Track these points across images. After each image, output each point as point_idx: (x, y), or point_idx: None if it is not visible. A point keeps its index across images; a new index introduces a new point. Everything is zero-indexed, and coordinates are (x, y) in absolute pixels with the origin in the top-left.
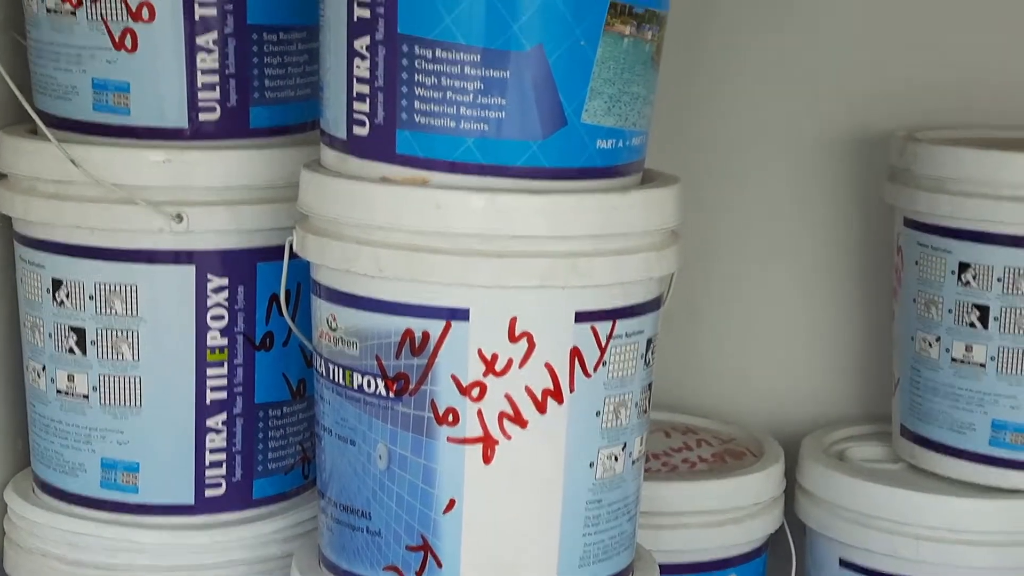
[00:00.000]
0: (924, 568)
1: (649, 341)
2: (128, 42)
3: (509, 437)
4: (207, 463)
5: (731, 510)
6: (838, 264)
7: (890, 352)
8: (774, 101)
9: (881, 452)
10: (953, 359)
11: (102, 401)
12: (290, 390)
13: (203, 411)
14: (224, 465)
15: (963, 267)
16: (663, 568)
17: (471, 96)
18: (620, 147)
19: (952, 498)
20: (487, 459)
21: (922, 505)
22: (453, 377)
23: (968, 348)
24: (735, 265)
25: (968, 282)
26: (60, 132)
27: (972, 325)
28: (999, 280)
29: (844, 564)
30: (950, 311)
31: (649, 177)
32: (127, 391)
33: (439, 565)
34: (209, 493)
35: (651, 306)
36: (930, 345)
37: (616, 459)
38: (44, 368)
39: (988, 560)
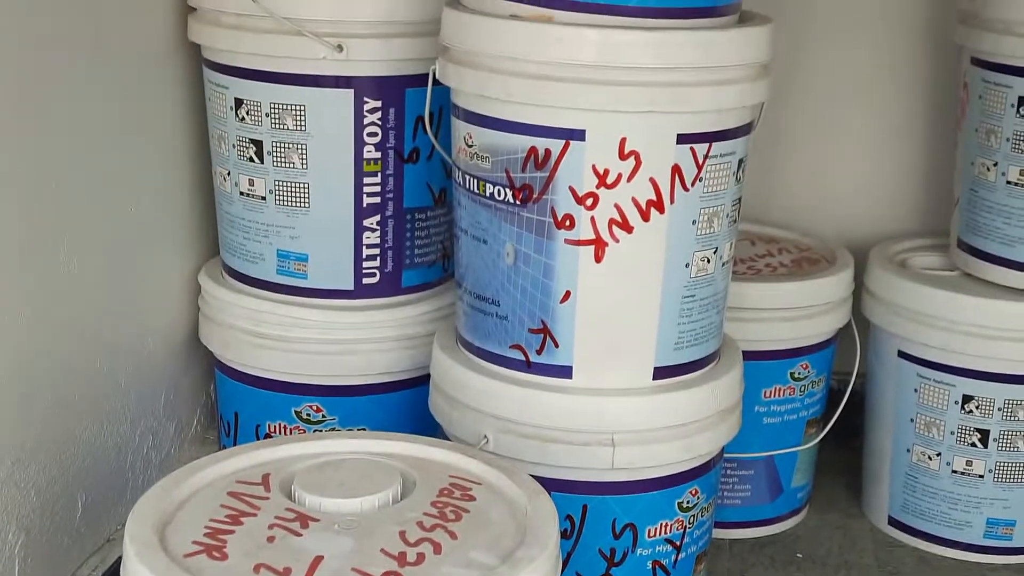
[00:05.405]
0: (971, 360)
1: (740, 161)
2: None
3: (617, 240)
4: (364, 256)
5: (805, 307)
6: (908, 99)
7: (950, 176)
8: None
9: (939, 261)
10: (1008, 182)
11: (277, 202)
12: (433, 197)
13: (360, 213)
14: (378, 258)
15: (1022, 101)
16: (746, 354)
17: None
18: None
19: (1000, 301)
20: (598, 258)
21: (973, 306)
22: (570, 188)
23: (1022, 172)
24: (817, 97)
25: None
26: None
27: None
28: None
29: (902, 355)
30: (1008, 140)
31: (745, 17)
32: (298, 195)
33: (556, 345)
34: (366, 281)
35: (743, 131)
36: (988, 169)
37: (708, 261)
38: (229, 173)
39: None
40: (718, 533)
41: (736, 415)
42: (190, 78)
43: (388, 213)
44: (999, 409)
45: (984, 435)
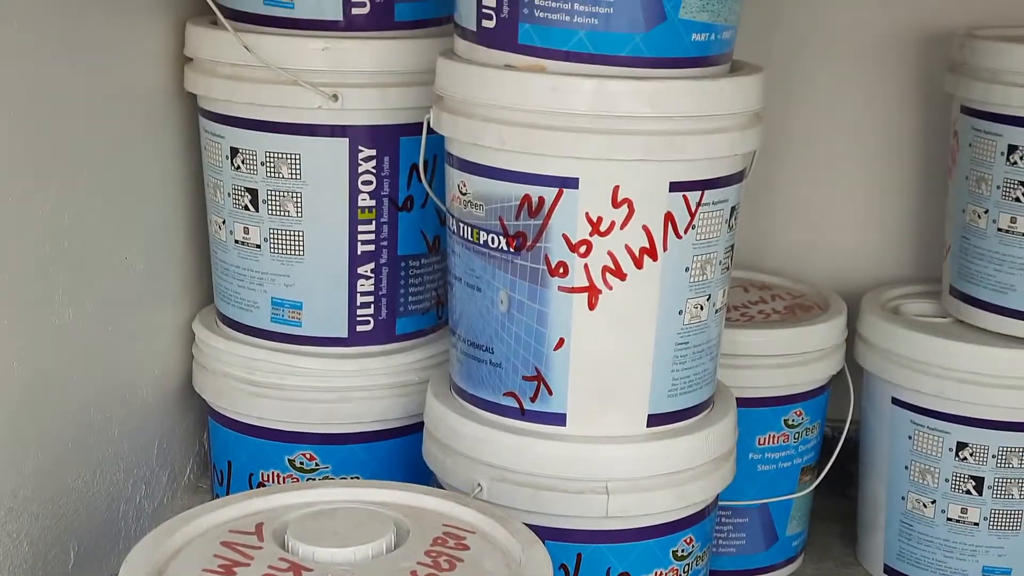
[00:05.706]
0: (964, 407)
1: (733, 209)
2: None
3: (611, 287)
4: (358, 304)
5: (799, 354)
6: (900, 147)
7: (942, 223)
8: (849, 3)
9: (931, 308)
10: (999, 229)
11: (272, 250)
12: (427, 244)
13: (355, 261)
14: (372, 306)
15: (1012, 149)
16: (740, 401)
17: None
18: (712, 40)
19: (993, 348)
20: (591, 305)
21: (967, 353)
22: (564, 236)
23: (1013, 220)
24: (810, 145)
25: (1016, 162)
26: (236, 23)
27: (1018, 200)
28: None
29: (895, 402)
30: (998, 187)
31: (737, 66)
32: (293, 243)
33: (550, 393)
34: (360, 329)
35: (735, 178)
36: (979, 217)
37: (701, 308)
38: (224, 222)
39: (1021, 402)
40: None
41: (730, 463)
42: (186, 127)
43: (382, 261)
44: (993, 456)
45: (979, 483)
